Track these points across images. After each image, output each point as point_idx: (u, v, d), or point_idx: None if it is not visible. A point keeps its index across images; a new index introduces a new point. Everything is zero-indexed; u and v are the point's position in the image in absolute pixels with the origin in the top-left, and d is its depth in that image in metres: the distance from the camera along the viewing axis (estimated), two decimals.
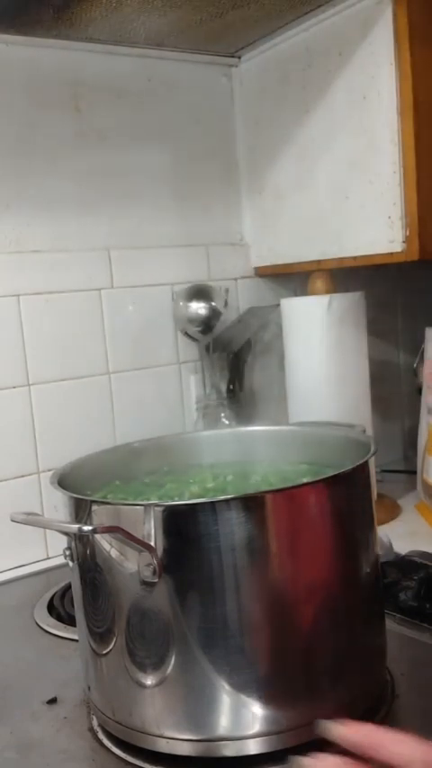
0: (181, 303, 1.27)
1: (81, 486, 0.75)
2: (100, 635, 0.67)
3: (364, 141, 1.13)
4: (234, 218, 1.39)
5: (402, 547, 1.00)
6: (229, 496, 0.63)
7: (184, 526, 0.61)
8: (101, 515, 0.65)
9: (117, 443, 1.19)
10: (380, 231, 1.12)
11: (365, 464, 0.68)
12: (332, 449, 0.80)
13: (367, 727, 0.48)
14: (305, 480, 0.70)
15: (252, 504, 0.62)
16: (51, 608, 1.00)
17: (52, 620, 0.96)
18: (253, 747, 0.63)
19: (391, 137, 1.09)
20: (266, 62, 1.30)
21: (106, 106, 1.23)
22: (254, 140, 1.35)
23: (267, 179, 1.33)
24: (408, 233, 1.09)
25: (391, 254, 1.11)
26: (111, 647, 0.66)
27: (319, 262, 1.24)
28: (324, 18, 1.16)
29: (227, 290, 1.30)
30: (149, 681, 0.64)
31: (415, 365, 1.32)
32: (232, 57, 1.34)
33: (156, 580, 0.61)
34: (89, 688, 0.72)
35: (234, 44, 1.29)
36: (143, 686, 0.64)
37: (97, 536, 0.64)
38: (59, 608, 0.99)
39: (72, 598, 0.82)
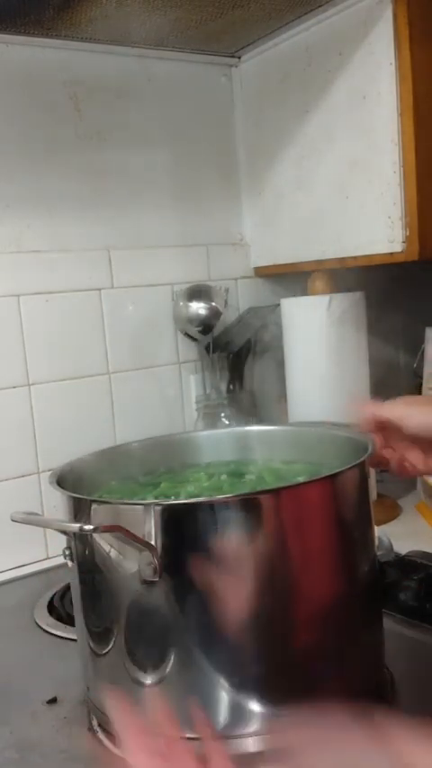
0: (181, 303, 1.27)
1: (81, 485, 0.75)
2: (99, 634, 0.67)
3: (364, 141, 1.13)
4: (234, 218, 1.39)
5: (402, 547, 1.00)
6: (228, 496, 0.63)
7: (184, 525, 0.61)
8: (100, 515, 0.65)
9: (117, 443, 1.20)
10: (380, 231, 1.12)
11: (362, 463, 0.68)
12: (331, 449, 0.80)
13: None
14: (301, 479, 0.69)
15: (252, 503, 0.62)
16: (51, 608, 1.00)
17: (52, 620, 0.96)
18: (252, 746, 0.63)
19: (391, 136, 1.09)
20: (266, 62, 1.30)
21: (106, 106, 1.23)
22: (254, 140, 1.35)
23: (267, 179, 1.33)
24: (408, 233, 1.09)
25: (391, 254, 1.11)
26: (110, 646, 0.66)
27: (319, 262, 1.24)
28: (324, 18, 1.16)
29: (227, 290, 1.30)
30: (149, 680, 0.64)
31: (415, 365, 1.32)
32: (232, 57, 1.34)
33: (156, 579, 0.61)
34: (89, 688, 0.72)
35: (234, 44, 1.29)
36: (143, 686, 0.64)
37: (97, 536, 0.64)
38: (59, 608, 0.99)
39: (72, 598, 0.82)
